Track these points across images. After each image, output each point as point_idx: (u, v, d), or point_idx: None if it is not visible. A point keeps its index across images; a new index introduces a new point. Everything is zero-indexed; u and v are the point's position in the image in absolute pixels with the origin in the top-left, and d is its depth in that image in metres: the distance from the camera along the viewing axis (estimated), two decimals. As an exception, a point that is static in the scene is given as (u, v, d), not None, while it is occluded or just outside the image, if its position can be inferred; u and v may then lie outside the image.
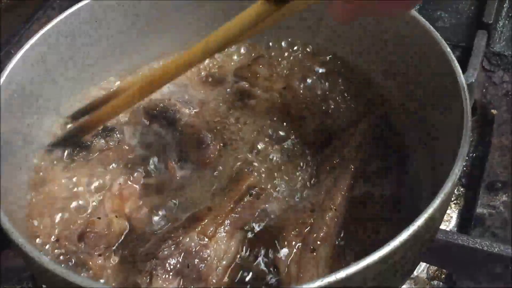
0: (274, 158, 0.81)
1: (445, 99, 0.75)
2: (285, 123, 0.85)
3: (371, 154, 0.80)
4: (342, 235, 0.72)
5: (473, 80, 0.99)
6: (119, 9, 0.90)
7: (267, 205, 0.75)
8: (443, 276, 0.86)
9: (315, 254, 0.69)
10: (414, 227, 0.58)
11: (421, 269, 0.86)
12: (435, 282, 0.86)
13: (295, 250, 0.70)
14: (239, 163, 0.80)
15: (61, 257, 0.72)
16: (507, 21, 1.15)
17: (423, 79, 0.82)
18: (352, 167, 0.77)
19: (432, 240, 0.70)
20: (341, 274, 0.54)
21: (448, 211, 0.94)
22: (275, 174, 0.79)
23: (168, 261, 0.67)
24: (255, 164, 0.80)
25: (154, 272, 0.66)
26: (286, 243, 0.70)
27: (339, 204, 0.73)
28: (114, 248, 0.73)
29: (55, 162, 0.83)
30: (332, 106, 0.87)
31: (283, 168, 0.80)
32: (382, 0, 0.63)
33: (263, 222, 0.74)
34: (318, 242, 0.70)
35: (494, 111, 1.04)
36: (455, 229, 0.92)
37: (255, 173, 0.78)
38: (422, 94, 0.82)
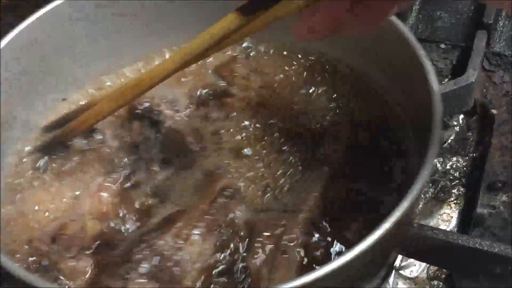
0: (250, 159, 0.81)
1: (420, 101, 0.74)
2: (262, 123, 0.85)
3: (348, 154, 0.80)
4: (315, 236, 0.72)
5: (473, 80, 0.99)
6: (98, 10, 0.89)
7: (239, 207, 0.75)
8: (443, 276, 0.86)
9: (286, 256, 0.69)
10: (381, 230, 0.58)
11: (421, 269, 0.86)
12: (435, 282, 0.86)
13: (266, 252, 0.69)
14: (215, 164, 0.80)
15: (34, 259, 0.72)
16: (507, 21, 1.15)
17: (404, 83, 0.81)
18: (328, 168, 0.77)
19: (405, 239, 0.71)
20: (310, 277, 0.55)
21: (448, 211, 0.94)
22: (249, 174, 0.79)
23: (142, 264, 0.67)
24: (231, 164, 0.80)
25: (127, 276, 0.66)
26: (257, 244, 0.70)
27: (313, 205, 0.73)
28: (89, 251, 0.72)
29: (33, 163, 0.83)
30: (311, 106, 0.87)
31: (258, 168, 0.80)
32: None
33: (235, 223, 0.74)
34: (290, 244, 0.69)
35: (494, 111, 1.04)
36: (455, 229, 0.91)
37: (229, 175, 0.78)
38: (400, 97, 0.82)
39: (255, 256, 0.69)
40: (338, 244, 0.71)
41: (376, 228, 0.58)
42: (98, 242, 0.73)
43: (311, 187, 0.75)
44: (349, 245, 0.60)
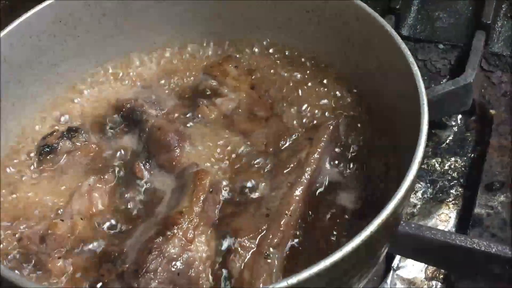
0: (234, 159, 0.81)
1: (408, 103, 0.74)
2: (248, 124, 0.85)
3: (330, 158, 0.80)
4: (297, 239, 0.72)
5: (472, 80, 0.99)
6: (85, 9, 0.89)
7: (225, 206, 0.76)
8: (441, 276, 0.86)
9: (268, 260, 0.69)
10: (367, 232, 0.58)
11: (419, 269, 0.86)
12: (433, 282, 0.86)
13: (248, 256, 0.70)
14: (200, 164, 0.80)
15: (23, 258, 0.72)
16: (505, 22, 1.15)
17: (388, 83, 0.81)
18: (309, 172, 0.76)
19: (388, 243, 0.71)
20: (293, 280, 0.55)
21: (446, 211, 0.94)
22: (233, 175, 0.79)
23: (159, 273, 0.67)
24: (212, 164, 0.81)
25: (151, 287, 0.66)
26: (240, 248, 0.70)
27: (294, 209, 0.73)
28: (77, 251, 0.73)
29: (22, 164, 0.83)
30: (296, 110, 0.87)
31: (241, 169, 0.80)
32: None
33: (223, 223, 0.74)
34: (272, 248, 0.70)
35: (492, 111, 1.04)
36: (453, 229, 0.92)
37: (212, 173, 0.78)
38: (388, 99, 0.82)
39: (237, 259, 0.70)
40: (321, 246, 0.71)
41: (361, 231, 0.58)
42: (88, 242, 0.73)
43: (292, 190, 0.75)
44: (331, 248, 0.60)
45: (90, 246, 0.74)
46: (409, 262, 0.86)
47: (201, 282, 0.69)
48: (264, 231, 0.71)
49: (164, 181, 0.80)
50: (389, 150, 0.80)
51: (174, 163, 0.80)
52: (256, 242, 0.71)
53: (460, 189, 0.96)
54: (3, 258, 0.72)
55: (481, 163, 0.97)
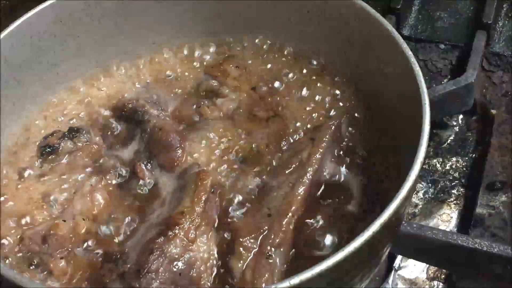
0: (235, 160, 0.81)
1: (408, 103, 0.74)
2: (249, 124, 0.85)
3: (331, 158, 0.79)
4: (299, 239, 0.72)
5: (473, 80, 0.99)
6: (84, 10, 0.89)
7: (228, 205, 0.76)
8: (443, 276, 0.86)
9: (270, 260, 0.69)
10: (369, 232, 0.58)
11: (421, 269, 0.86)
12: (435, 283, 0.86)
13: (251, 256, 0.70)
14: (202, 164, 0.80)
15: (25, 258, 0.72)
16: (506, 21, 1.15)
17: (389, 83, 0.81)
18: (311, 172, 0.76)
19: (390, 243, 0.70)
20: (295, 279, 0.55)
21: (447, 211, 0.94)
22: (235, 175, 0.79)
23: (160, 273, 0.67)
24: (214, 163, 0.80)
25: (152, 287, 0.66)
26: (241, 248, 0.70)
27: (296, 209, 0.73)
28: (79, 251, 0.73)
29: (22, 165, 0.83)
30: (297, 110, 0.87)
31: (243, 169, 0.80)
32: None
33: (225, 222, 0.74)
34: (274, 249, 0.70)
35: (493, 111, 1.04)
36: (455, 229, 0.92)
37: (213, 173, 0.78)
38: (389, 99, 0.82)
39: (239, 259, 0.70)
40: (323, 247, 0.71)
41: (363, 231, 0.58)
42: (90, 243, 0.73)
43: (294, 190, 0.74)
44: (335, 248, 0.60)
45: (92, 247, 0.74)
46: (411, 262, 0.86)
47: (202, 282, 0.69)
48: (266, 231, 0.71)
49: (165, 181, 0.79)
50: (389, 150, 0.80)
51: (175, 163, 0.80)
52: (258, 242, 0.71)
53: (461, 189, 0.96)
54: (4, 258, 0.72)
55: (482, 163, 0.97)
